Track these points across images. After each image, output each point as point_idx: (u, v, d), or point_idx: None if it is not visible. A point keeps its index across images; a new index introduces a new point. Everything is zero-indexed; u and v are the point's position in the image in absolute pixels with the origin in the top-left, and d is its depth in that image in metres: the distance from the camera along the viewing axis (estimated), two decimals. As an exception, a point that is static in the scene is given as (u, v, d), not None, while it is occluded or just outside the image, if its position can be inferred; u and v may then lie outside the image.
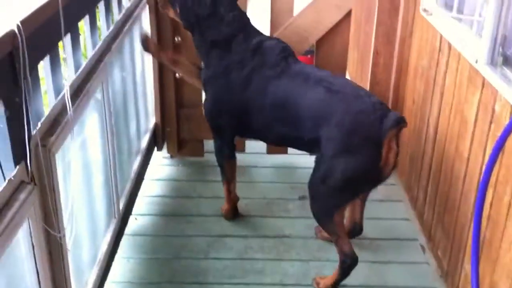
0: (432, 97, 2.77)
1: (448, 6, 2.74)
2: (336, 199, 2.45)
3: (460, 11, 2.59)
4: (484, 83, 2.14)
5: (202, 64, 2.82)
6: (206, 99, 2.83)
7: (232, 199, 3.05)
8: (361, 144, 2.28)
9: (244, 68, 2.61)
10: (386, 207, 3.21)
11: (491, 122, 2.08)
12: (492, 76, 2.05)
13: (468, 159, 2.31)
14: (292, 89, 2.51)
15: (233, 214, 3.07)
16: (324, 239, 2.88)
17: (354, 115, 2.30)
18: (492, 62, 2.09)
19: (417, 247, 2.89)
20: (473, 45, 2.26)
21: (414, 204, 3.11)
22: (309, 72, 2.54)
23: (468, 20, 2.51)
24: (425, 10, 2.86)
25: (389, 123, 2.24)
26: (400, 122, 2.27)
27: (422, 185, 2.94)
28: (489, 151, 2.09)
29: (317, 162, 2.44)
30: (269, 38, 2.76)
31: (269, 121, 2.63)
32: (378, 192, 3.29)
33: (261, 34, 2.74)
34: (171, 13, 2.77)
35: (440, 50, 2.66)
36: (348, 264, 2.52)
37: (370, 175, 2.35)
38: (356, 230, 2.80)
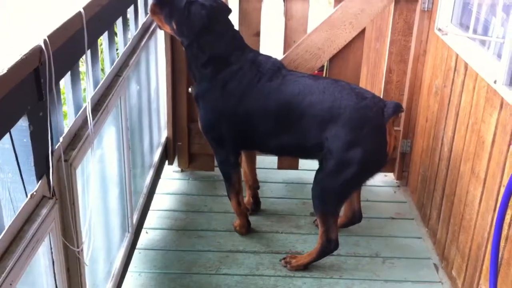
0: (447, 116, 2.77)
1: (464, 26, 2.75)
2: (348, 188, 2.67)
3: (474, 30, 2.60)
4: (502, 103, 2.14)
5: (194, 79, 2.83)
6: (202, 113, 2.83)
7: (243, 211, 3.05)
8: (370, 135, 2.53)
9: (243, 79, 2.67)
10: (398, 225, 3.19)
11: (510, 143, 2.08)
12: (511, 97, 2.05)
13: (485, 179, 2.30)
14: (293, 97, 2.62)
15: (247, 228, 3.07)
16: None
17: (359, 111, 2.51)
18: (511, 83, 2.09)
19: (431, 265, 2.87)
20: (491, 66, 2.27)
21: (426, 223, 3.10)
22: (306, 79, 2.68)
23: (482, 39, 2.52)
24: (440, 30, 2.87)
25: (390, 111, 2.51)
26: (399, 109, 2.56)
27: (436, 204, 2.93)
28: (508, 172, 2.09)
29: (324, 159, 2.59)
30: (260, 53, 2.83)
31: (271, 130, 2.69)
32: (389, 210, 3.31)
33: (253, 50, 2.84)
34: (168, 30, 2.78)
35: (455, 69, 2.66)
36: (331, 248, 2.74)
37: (380, 161, 2.61)
38: (356, 217, 2.98)
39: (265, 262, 2.88)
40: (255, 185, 3.24)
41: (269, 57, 2.78)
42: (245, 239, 3.04)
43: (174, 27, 2.70)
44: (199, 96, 2.80)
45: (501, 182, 2.16)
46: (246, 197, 3.24)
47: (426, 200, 3.11)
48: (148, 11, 2.79)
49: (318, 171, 2.65)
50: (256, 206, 3.26)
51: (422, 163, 3.19)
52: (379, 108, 2.53)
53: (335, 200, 2.67)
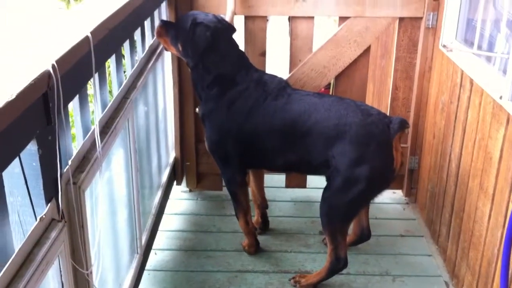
0: (454, 132, 2.77)
1: (468, 42, 2.76)
2: (356, 205, 2.66)
3: (479, 46, 2.61)
4: (509, 119, 2.14)
5: (200, 99, 2.86)
6: (208, 133, 2.85)
7: (251, 231, 3.04)
8: (376, 152, 2.53)
9: (249, 98, 2.69)
10: (408, 243, 3.18)
11: (517, 158, 2.07)
12: (517, 112, 2.05)
13: (494, 195, 2.29)
14: (298, 115, 2.63)
15: (256, 247, 3.06)
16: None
17: (365, 127, 2.52)
18: (517, 98, 2.09)
19: (441, 283, 2.85)
20: (497, 81, 2.27)
21: (436, 240, 3.08)
22: (311, 97, 2.68)
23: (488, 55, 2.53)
24: (444, 46, 2.88)
25: (395, 127, 2.52)
26: (405, 125, 2.56)
27: (445, 221, 2.91)
28: (516, 187, 2.08)
29: (331, 177, 2.59)
30: (265, 73, 2.86)
31: (277, 149, 2.70)
32: (398, 228, 3.29)
33: (258, 69, 2.85)
34: (174, 52, 2.82)
35: (461, 85, 2.67)
36: (340, 267, 2.73)
37: (387, 177, 2.60)
38: (364, 235, 2.96)
39: (274, 281, 2.87)
40: (263, 204, 3.24)
41: (274, 77, 2.80)
42: (254, 258, 3.04)
43: (180, 48, 2.74)
44: (205, 116, 2.82)
45: (509, 197, 2.15)
46: (255, 217, 3.24)
47: (435, 217, 3.09)
48: (155, 34, 2.82)
49: (325, 189, 2.65)
50: (264, 225, 3.25)
51: (430, 180, 3.18)
52: (385, 124, 2.53)
53: (343, 217, 2.67)
